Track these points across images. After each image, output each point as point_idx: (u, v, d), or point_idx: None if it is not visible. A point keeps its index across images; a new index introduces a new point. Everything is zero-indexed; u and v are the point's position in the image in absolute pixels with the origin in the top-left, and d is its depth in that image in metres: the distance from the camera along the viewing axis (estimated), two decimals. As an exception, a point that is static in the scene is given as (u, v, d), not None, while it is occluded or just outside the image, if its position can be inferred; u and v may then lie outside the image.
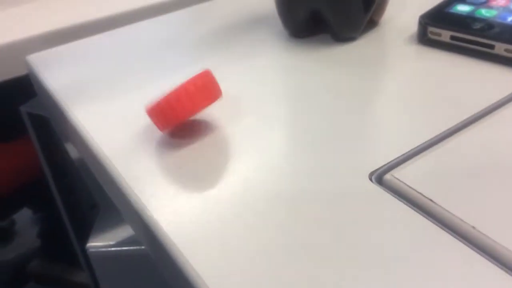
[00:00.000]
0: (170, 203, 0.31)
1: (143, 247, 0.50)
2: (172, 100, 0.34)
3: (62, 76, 0.46)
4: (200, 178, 0.33)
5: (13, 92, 0.70)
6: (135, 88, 0.44)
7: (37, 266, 1.29)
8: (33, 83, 0.51)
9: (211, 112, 0.39)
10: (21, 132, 0.85)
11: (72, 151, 0.68)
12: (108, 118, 0.40)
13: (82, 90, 0.44)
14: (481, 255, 0.25)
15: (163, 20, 0.56)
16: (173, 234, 0.29)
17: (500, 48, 0.40)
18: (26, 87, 0.59)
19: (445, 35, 0.43)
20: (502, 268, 0.24)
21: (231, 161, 0.34)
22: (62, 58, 0.50)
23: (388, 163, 0.32)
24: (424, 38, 0.45)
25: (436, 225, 0.27)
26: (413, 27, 0.46)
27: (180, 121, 0.35)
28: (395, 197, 0.29)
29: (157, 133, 0.37)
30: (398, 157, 0.32)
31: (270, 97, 0.40)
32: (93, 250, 0.52)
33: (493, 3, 0.45)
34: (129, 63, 0.48)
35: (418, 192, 0.29)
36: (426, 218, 0.28)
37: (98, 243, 0.52)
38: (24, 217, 1.35)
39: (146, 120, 0.39)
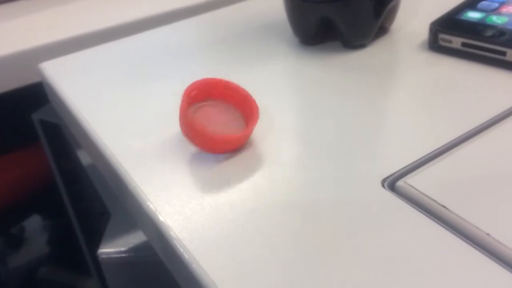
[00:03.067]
0: (183, 209, 0.31)
1: (155, 253, 0.50)
2: (219, 141, 0.34)
3: (76, 83, 0.47)
4: (213, 185, 0.33)
5: (24, 100, 0.71)
6: (148, 95, 0.44)
7: (46, 273, 1.30)
8: (46, 90, 0.51)
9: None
10: (32, 139, 0.86)
11: (83, 158, 0.69)
12: (121, 125, 0.40)
13: (95, 97, 0.44)
14: (496, 262, 0.25)
15: (176, 28, 0.57)
16: (187, 240, 0.29)
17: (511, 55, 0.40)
18: (36, 95, 0.60)
19: (456, 41, 0.43)
20: (517, 275, 0.24)
21: (243, 168, 0.34)
22: (76, 65, 0.50)
23: (400, 169, 0.32)
24: (435, 44, 0.45)
25: (450, 232, 0.27)
26: (424, 34, 0.46)
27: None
28: (408, 204, 0.29)
29: (171, 140, 0.37)
30: (410, 164, 0.32)
31: (281, 104, 0.41)
32: (104, 256, 0.53)
33: (504, 10, 0.45)
34: (141, 70, 0.48)
35: (431, 199, 0.29)
36: (440, 225, 0.28)
37: (109, 249, 0.52)
38: (33, 224, 1.35)
39: (159, 127, 0.39)
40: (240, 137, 0.35)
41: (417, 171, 0.31)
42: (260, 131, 0.37)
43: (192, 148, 0.36)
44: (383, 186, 0.31)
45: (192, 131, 0.34)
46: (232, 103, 0.37)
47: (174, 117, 0.40)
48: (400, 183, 0.30)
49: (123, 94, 0.44)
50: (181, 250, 0.28)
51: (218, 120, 0.36)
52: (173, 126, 0.39)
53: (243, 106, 0.37)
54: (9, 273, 1.31)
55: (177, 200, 0.32)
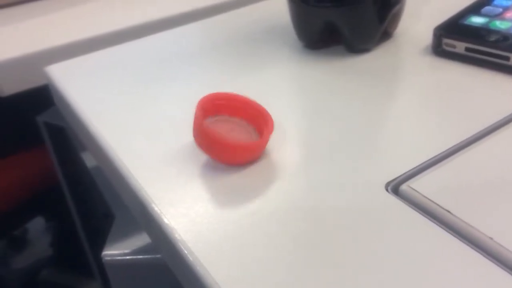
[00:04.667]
0: (188, 211, 0.31)
1: (159, 255, 0.50)
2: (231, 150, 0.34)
3: (82, 86, 0.47)
4: (217, 187, 0.33)
5: (29, 103, 0.72)
6: (154, 99, 0.44)
7: (49, 275, 1.30)
8: (52, 93, 0.52)
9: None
10: (36, 141, 0.86)
11: (88, 161, 0.69)
12: (127, 128, 0.40)
13: (101, 100, 0.45)
14: (499, 266, 0.25)
15: (181, 32, 0.57)
16: (191, 242, 0.29)
17: (515, 59, 0.40)
18: (41, 98, 0.60)
19: (460, 46, 0.43)
20: (520, 279, 0.24)
21: (247, 171, 0.34)
22: (81, 68, 0.51)
23: (404, 173, 0.32)
24: (439, 49, 0.45)
25: (454, 236, 0.27)
26: (428, 38, 0.46)
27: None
28: (412, 208, 0.29)
29: (176, 143, 0.38)
30: (414, 168, 0.32)
31: (285, 108, 0.41)
32: (108, 258, 0.53)
33: (508, 15, 0.45)
34: (147, 73, 0.48)
35: (435, 203, 0.29)
36: (443, 229, 0.28)
37: (113, 251, 0.53)
38: (37, 226, 1.36)
39: (164, 130, 0.40)
40: (255, 146, 0.35)
41: (421, 175, 0.32)
42: (264, 134, 0.37)
43: (197, 151, 0.36)
44: (387, 190, 0.31)
45: (210, 141, 0.34)
46: (246, 118, 0.37)
47: (180, 120, 0.40)
48: (403, 187, 0.31)
49: (129, 97, 0.45)
50: (186, 252, 0.28)
51: (231, 135, 0.36)
52: (179, 130, 0.39)
53: (257, 121, 0.36)
54: (12, 274, 1.31)
55: (182, 203, 0.32)
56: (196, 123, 0.34)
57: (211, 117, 0.36)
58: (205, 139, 0.34)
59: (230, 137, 0.35)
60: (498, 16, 0.45)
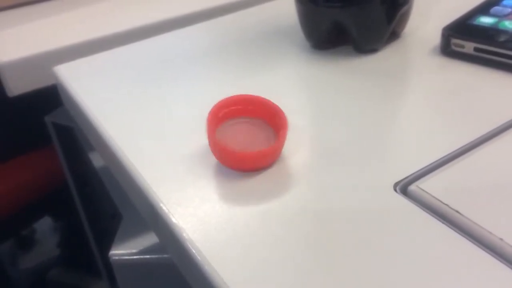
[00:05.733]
0: (196, 211, 0.31)
1: (166, 255, 0.50)
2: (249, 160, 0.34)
3: (90, 86, 0.47)
4: (225, 187, 0.33)
5: (37, 103, 0.72)
6: (162, 99, 0.44)
7: (57, 275, 1.30)
8: (60, 93, 0.52)
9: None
10: (44, 141, 0.87)
11: (95, 161, 0.69)
12: (134, 128, 0.40)
13: (109, 100, 0.45)
14: (509, 267, 0.25)
15: (188, 32, 0.57)
16: (199, 242, 0.29)
17: (524, 60, 0.40)
18: (49, 98, 0.61)
19: (469, 46, 0.43)
20: (531, 280, 0.24)
21: (255, 172, 0.34)
22: (90, 68, 0.51)
23: (413, 173, 0.32)
24: (447, 49, 0.45)
25: (463, 236, 0.27)
26: (436, 39, 0.46)
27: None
28: (421, 208, 0.29)
29: (184, 143, 0.38)
30: (422, 168, 0.32)
31: (293, 108, 0.41)
32: (116, 258, 0.53)
33: (517, 15, 0.45)
34: (155, 73, 0.48)
35: (444, 203, 0.29)
36: (453, 230, 0.28)
37: (121, 251, 0.53)
38: (44, 226, 1.36)
39: (172, 130, 0.40)
40: (266, 153, 0.34)
41: (429, 175, 0.31)
42: (272, 134, 0.37)
43: (204, 151, 0.36)
44: (395, 190, 0.31)
45: (221, 152, 0.34)
46: (264, 118, 0.37)
47: (188, 120, 0.40)
48: (412, 187, 0.31)
49: (137, 97, 0.45)
50: (194, 251, 0.28)
51: (248, 137, 0.36)
52: (187, 130, 0.39)
53: (274, 120, 0.36)
54: (20, 274, 1.32)
55: (190, 202, 0.32)
56: (208, 134, 0.34)
57: (231, 120, 0.36)
58: (216, 149, 0.34)
59: (248, 141, 0.35)
60: (507, 16, 0.45)
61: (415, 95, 0.41)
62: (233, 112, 0.36)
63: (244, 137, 0.36)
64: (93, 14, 0.67)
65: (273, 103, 0.36)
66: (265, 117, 0.36)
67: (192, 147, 0.37)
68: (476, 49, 0.43)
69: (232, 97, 0.36)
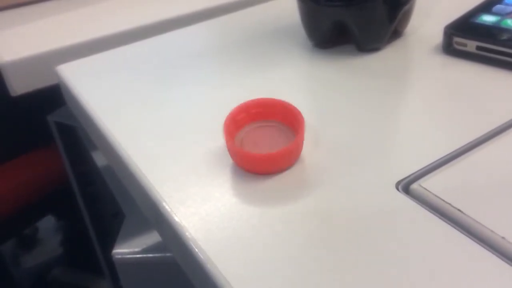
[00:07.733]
0: (198, 210, 0.31)
1: (169, 254, 0.50)
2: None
3: (93, 86, 0.47)
4: (227, 186, 0.33)
5: (40, 102, 0.72)
6: (165, 98, 0.44)
7: (59, 274, 1.31)
8: (63, 92, 0.52)
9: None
10: (47, 140, 0.87)
11: (98, 160, 0.69)
12: (137, 127, 0.40)
13: (112, 99, 0.45)
14: (511, 265, 0.25)
15: (190, 31, 0.57)
16: (202, 241, 0.29)
17: (527, 58, 0.40)
18: (52, 97, 0.61)
19: (471, 45, 0.43)
20: (533, 279, 0.24)
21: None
22: (93, 68, 0.51)
23: (415, 172, 0.32)
24: (449, 48, 0.45)
25: (465, 235, 0.27)
26: (438, 37, 0.46)
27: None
28: (423, 207, 0.29)
29: (186, 142, 0.38)
30: (424, 167, 0.32)
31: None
32: (118, 256, 0.53)
33: (519, 14, 0.45)
34: (158, 73, 0.49)
35: (446, 202, 0.29)
36: (455, 228, 0.28)
37: (123, 249, 0.53)
38: (47, 225, 1.37)
39: (174, 129, 0.40)
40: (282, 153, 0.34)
41: (431, 174, 0.31)
42: (274, 133, 0.37)
43: (207, 151, 0.36)
44: (397, 189, 0.31)
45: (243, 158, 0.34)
46: (283, 120, 0.37)
47: (190, 120, 0.40)
48: (414, 186, 0.31)
49: (139, 97, 0.45)
50: (196, 250, 0.28)
51: (267, 140, 0.36)
52: (189, 129, 0.39)
53: (291, 121, 0.36)
54: (22, 273, 1.33)
55: (192, 201, 0.32)
56: (227, 146, 0.34)
57: (253, 123, 0.37)
58: (238, 157, 0.34)
59: (267, 144, 0.35)
60: (510, 14, 0.45)
61: (417, 94, 0.41)
62: (253, 116, 0.37)
63: (264, 140, 0.36)
64: (96, 14, 0.67)
65: (294, 106, 0.36)
66: (283, 120, 0.37)
67: (195, 146, 0.37)
68: (478, 48, 0.43)
69: (252, 100, 0.37)
